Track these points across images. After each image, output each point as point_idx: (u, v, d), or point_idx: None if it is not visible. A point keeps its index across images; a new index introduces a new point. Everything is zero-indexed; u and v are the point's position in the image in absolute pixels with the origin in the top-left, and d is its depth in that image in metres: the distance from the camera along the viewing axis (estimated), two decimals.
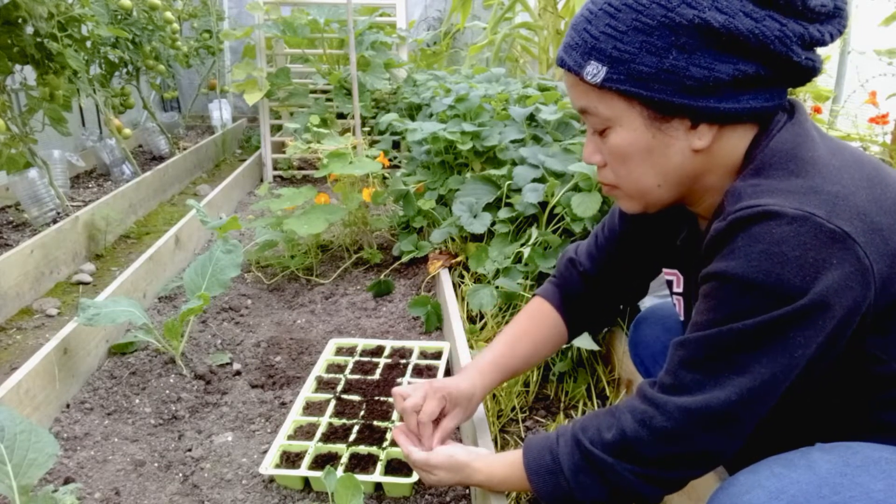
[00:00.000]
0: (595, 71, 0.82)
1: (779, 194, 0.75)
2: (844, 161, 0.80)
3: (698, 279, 0.83)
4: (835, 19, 0.80)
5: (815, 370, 0.78)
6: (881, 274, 0.74)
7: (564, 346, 1.73)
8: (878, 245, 0.74)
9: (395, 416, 1.56)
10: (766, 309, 0.74)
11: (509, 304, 1.99)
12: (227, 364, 1.91)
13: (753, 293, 0.74)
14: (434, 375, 1.74)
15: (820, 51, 0.83)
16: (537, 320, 1.23)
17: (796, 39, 0.77)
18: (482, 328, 2.00)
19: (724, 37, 0.76)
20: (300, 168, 4.51)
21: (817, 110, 2.49)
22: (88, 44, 3.19)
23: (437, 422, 1.14)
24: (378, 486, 1.37)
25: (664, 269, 1.09)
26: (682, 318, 1.07)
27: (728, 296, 0.77)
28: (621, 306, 1.30)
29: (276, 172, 4.42)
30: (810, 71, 0.81)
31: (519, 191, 2.14)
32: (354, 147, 2.65)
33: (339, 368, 1.80)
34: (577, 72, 0.84)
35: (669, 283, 1.07)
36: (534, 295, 1.28)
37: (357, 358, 1.85)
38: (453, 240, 2.45)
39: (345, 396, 1.64)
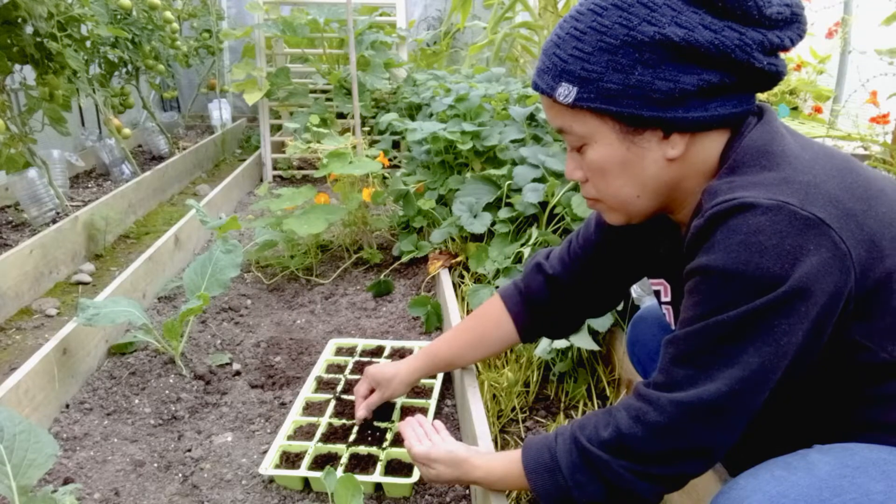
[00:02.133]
0: (566, 92, 0.86)
1: (753, 187, 0.77)
2: (815, 154, 0.83)
3: (683, 277, 0.84)
4: (793, 24, 0.83)
5: (804, 361, 0.79)
6: (860, 259, 0.76)
7: (564, 347, 1.74)
8: (854, 230, 0.75)
9: (394, 416, 1.56)
10: (748, 298, 0.75)
11: None
12: (227, 364, 1.91)
13: (735, 284, 0.76)
14: (433, 375, 1.73)
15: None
16: (485, 321, 1.35)
17: (756, 46, 0.80)
18: None
19: (685, 50, 0.79)
20: (300, 168, 4.51)
21: (818, 110, 2.49)
22: (88, 43, 3.19)
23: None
24: (378, 487, 1.37)
25: (650, 280, 1.10)
26: (672, 327, 1.07)
27: (711, 289, 0.78)
28: (591, 315, 1.33)
29: (276, 172, 4.42)
30: (774, 76, 0.84)
31: (519, 191, 2.14)
32: (354, 147, 2.64)
33: (339, 369, 1.80)
34: (550, 94, 0.88)
35: (657, 293, 1.08)
36: (497, 292, 1.36)
37: (357, 358, 1.85)
38: (453, 240, 2.45)
39: (345, 397, 1.64)
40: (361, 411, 1.47)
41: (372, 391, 1.48)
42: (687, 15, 0.79)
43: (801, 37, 0.84)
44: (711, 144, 0.86)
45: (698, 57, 0.79)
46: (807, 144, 0.85)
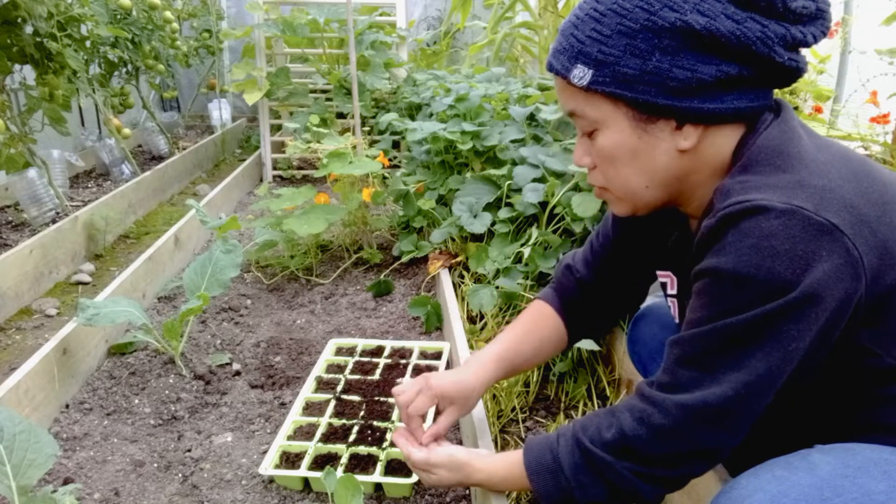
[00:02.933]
0: (581, 74, 0.84)
1: (767, 189, 0.76)
2: (831, 156, 0.81)
3: (691, 277, 0.83)
4: (817, 20, 0.81)
5: (811, 364, 0.78)
6: (871, 266, 0.75)
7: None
8: (867, 237, 0.75)
9: (395, 416, 1.56)
10: (758, 303, 0.75)
11: (509, 305, 1.98)
12: (227, 364, 1.91)
13: (745, 288, 0.75)
14: None
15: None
16: (541, 320, 1.23)
17: (778, 40, 0.78)
18: (482, 328, 2.00)
19: (705, 39, 0.77)
20: (300, 168, 4.51)
21: (818, 110, 2.49)
22: (88, 43, 3.19)
23: (435, 417, 1.16)
24: (378, 487, 1.37)
25: (658, 272, 1.09)
26: (676, 321, 1.07)
27: (720, 291, 0.77)
28: (621, 313, 1.30)
29: (276, 172, 4.42)
30: (794, 71, 0.82)
31: (519, 191, 2.14)
32: (354, 147, 2.64)
33: (339, 369, 1.80)
34: (565, 75, 0.86)
35: (663, 285, 1.08)
36: (535, 298, 1.29)
37: (357, 358, 1.85)
38: (453, 240, 2.45)
39: (345, 397, 1.64)
40: (427, 437, 1.13)
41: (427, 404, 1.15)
42: (710, 3, 0.77)
43: (824, 33, 0.82)
44: (725, 139, 0.85)
45: (718, 47, 0.78)
46: (823, 146, 0.83)
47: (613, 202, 0.95)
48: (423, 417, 1.15)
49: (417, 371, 1.76)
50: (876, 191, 0.79)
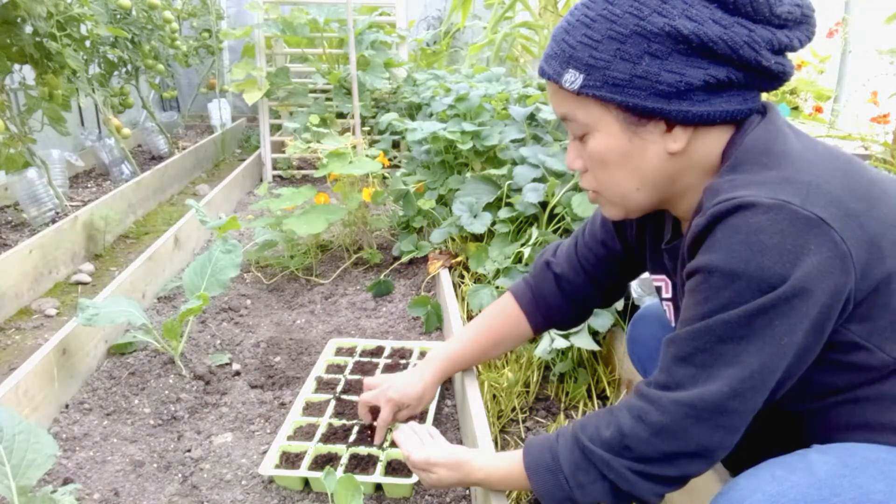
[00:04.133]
0: (573, 78, 0.86)
1: (754, 186, 0.77)
2: (817, 153, 0.82)
3: (683, 276, 0.84)
4: (802, 25, 0.83)
5: (805, 360, 0.79)
6: (860, 259, 0.75)
7: (564, 347, 1.73)
8: (855, 231, 0.75)
9: None
10: (749, 298, 0.75)
11: None
12: (227, 364, 1.91)
13: (736, 283, 0.76)
14: None
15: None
16: (501, 319, 1.35)
17: (765, 44, 0.80)
18: None
19: (693, 43, 0.79)
20: (300, 168, 4.51)
21: (818, 110, 2.49)
22: (87, 43, 3.19)
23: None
24: (378, 487, 1.37)
25: (652, 276, 1.10)
26: (672, 324, 1.07)
27: (712, 288, 0.78)
28: (598, 308, 1.34)
29: (276, 172, 4.41)
30: (780, 75, 0.84)
31: (519, 190, 2.14)
32: (354, 147, 2.64)
33: (339, 369, 1.80)
34: (557, 80, 0.88)
35: (658, 290, 1.09)
36: (508, 290, 1.36)
37: (357, 358, 1.85)
38: (453, 240, 2.45)
39: (344, 397, 1.64)
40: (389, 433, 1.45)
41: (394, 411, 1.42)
42: (698, 9, 0.79)
43: (809, 38, 0.84)
44: (714, 140, 0.86)
45: (706, 51, 0.79)
46: (810, 144, 0.85)
47: (605, 205, 0.97)
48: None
49: None
50: (862, 187, 0.80)
